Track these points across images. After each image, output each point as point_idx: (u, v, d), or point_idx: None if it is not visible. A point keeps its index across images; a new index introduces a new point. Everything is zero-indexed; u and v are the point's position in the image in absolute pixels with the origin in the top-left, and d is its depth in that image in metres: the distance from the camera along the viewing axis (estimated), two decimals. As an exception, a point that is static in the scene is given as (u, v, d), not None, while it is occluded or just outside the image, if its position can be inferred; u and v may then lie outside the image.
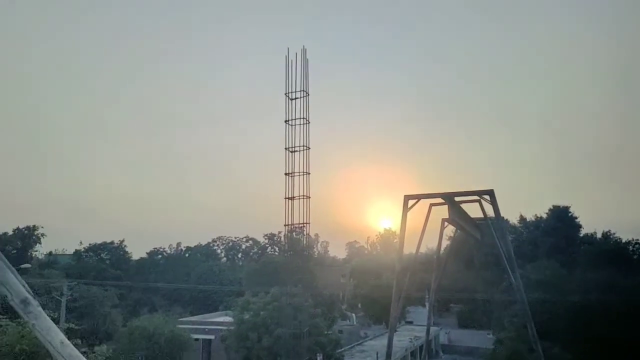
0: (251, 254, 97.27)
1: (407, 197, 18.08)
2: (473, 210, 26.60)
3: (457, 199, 20.00)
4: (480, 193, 20.79)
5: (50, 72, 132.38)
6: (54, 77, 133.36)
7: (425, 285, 58.97)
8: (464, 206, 23.44)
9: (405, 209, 17.95)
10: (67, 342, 3.92)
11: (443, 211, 21.49)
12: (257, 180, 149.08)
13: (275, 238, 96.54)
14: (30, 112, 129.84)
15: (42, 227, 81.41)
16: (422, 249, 42.64)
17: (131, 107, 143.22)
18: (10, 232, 78.16)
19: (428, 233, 25.64)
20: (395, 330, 18.73)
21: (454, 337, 62.45)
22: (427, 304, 61.76)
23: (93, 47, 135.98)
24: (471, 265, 66.08)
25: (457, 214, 19.50)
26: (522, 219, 73.29)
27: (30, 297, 4.01)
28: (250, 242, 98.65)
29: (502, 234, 22.47)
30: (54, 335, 3.92)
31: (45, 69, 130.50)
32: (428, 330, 26.46)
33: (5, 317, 22.39)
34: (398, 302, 17.66)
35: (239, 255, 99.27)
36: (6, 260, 4.36)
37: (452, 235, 47.58)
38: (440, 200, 19.12)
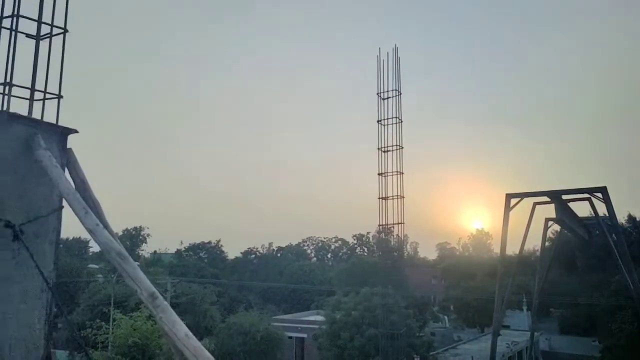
0: (340, 254, 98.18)
1: (509, 196, 17.19)
2: (579, 209, 24.83)
3: (564, 197, 18.57)
4: (591, 190, 19.15)
5: (152, 70, 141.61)
6: (156, 74, 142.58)
7: (522, 288, 56.16)
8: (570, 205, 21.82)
9: (507, 208, 17.06)
10: (191, 334, 4.14)
11: (546, 210, 20.26)
12: (347, 181, 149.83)
13: (364, 239, 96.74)
14: (130, 110, 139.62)
15: (148, 228, 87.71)
16: (517, 250, 40.69)
17: (225, 108, 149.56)
18: (120, 233, 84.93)
19: (520, 233, 24.19)
20: (499, 334, 17.92)
21: (555, 343, 58.89)
22: (524, 308, 58.93)
23: (195, 49, 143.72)
24: (573, 268, 62.08)
25: (564, 213, 18.16)
26: (631, 219, 67.75)
27: (157, 291, 4.29)
28: (339, 242, 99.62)
29: (617, 234, 20.62)
30: (179, 328, 4.13)
31: (148, 67, 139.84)
32: (532, 335, 25.03)
33: (118, 311, 24.29)
34: (501, 305, 16.87)
35: (329, 256, 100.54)
36: (132, 259, 4.72)
37: (551, 236, 45.00)
38: (544, 198, 17.98)
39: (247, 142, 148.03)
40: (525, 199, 17.50)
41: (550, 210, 19.65)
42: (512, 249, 38.66)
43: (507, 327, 62.81)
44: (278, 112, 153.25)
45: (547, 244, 47.29)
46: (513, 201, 17.31)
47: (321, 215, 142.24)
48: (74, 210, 4.40)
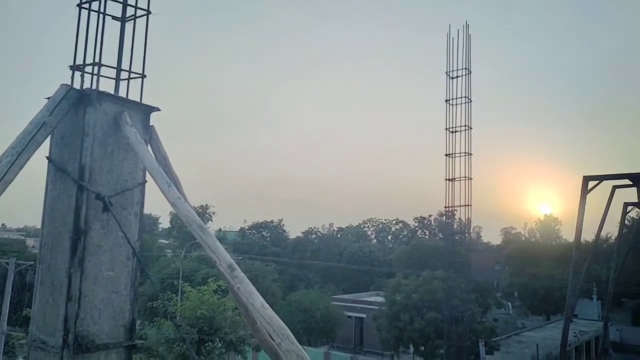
0: (401, 236, 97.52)
1: (587, 178, 16.24)
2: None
3: (649, 179, 17.27)
4: (679, 173, 17.71)
5: (239, 60, 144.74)
6: (244, 63, 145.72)
7: (593, 276, 53.71)
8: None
9: (584, 191, 16.18)
10: (267, 305, 4.27)
11: (624, 194, 19.01)
12: (409, 163, 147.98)
13: (425, 221, 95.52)
14: (205, 88, 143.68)
15: (213, 206, 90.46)
16: (587, 236, 38.73)
17: (301, 90, 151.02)
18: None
19: (593, 218, 22.61)
20: (572, 321, 17.26)
21: (627, 335, 56.13)
22: (594, 297, 56.42)
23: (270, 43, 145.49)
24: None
25: (648, 197, 17.07)
26: None
27: (234, 263, 4.45)
28: (400, 224, 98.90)
29: None
30: (255, 299, 4.28)
31: (240, 57, 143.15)
32: (606, 325, 23.85)
33: (187, 284, 25.40)
34: (575, 292, 16.16)
35: (389, 238, 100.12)
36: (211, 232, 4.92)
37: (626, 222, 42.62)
38: (624, 181, 16.85)
39: (317, 124, 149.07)
40: (604, 182, 16.49)
41: (628, 194, 18.49)
42: (584, 235, 37.06)
43: (574, 315, 60.45)
44: (344, 94, 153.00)
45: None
46: (591, 184, 16.33)
47: (382, 197, 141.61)
48: (157, 184, 4.63)
